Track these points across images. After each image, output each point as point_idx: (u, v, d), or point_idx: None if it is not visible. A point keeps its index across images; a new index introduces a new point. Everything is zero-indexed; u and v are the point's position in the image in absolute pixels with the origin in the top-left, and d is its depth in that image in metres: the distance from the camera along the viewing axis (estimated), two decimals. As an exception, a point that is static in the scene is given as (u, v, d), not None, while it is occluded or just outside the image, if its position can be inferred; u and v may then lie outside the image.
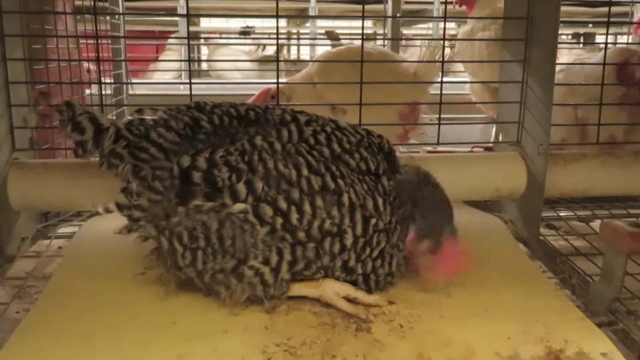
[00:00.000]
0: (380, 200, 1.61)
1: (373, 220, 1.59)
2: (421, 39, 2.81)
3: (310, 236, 1.54)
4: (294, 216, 1.51)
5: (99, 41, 2.26)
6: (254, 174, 1.52)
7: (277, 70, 2.26)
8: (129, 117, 1.71)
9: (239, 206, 1.50)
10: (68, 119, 1.66)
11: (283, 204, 1.51)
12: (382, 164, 1.69)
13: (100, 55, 2.23)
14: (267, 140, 1.59)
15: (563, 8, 2.19)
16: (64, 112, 1.67)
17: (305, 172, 1.55)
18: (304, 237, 1.53)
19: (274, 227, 1.51)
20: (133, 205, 1.58)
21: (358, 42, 2.95)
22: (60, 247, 2.21)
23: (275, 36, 2.32)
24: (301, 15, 6.80)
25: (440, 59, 2.63)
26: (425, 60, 2.68)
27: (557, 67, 2.24)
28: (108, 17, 3.38)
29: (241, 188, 1.50)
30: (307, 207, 1.52)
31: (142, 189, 1.56)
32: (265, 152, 1.55)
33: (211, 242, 1.52)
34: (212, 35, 7.43)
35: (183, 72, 5.23)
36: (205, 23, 8.43)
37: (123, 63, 3.64)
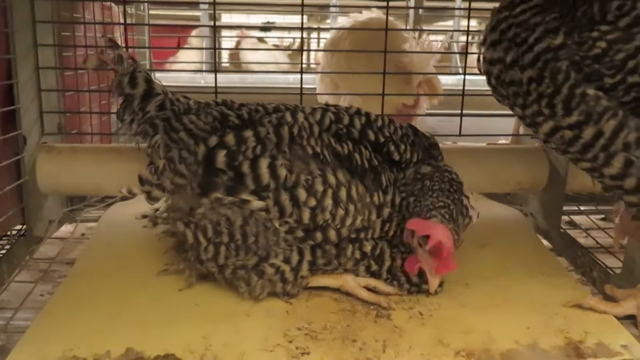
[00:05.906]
0: (397, 198, 1.61)
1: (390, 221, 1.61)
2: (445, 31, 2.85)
3: (340, 236, 1.55)
4: (328, 203, 1.51)
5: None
6: (282, 152, 1.52)
7: (302, 62, 2.28)
8: (177, 94, 1.74)
9: (259, 203, 1.50)
10: (127, 73, 1.68)
11: (320, 187, 1.51)
12: (416, 154, 1.67)
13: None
14: (308, 120, 1.61)
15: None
16: (127, 64, 1.69)
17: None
18: (334, 236, 1.55)
19: (294, 226, 1.52)
20: (155, 183, 1.61)
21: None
22: (83, 234, 2.25)
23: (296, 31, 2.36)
24: (324, 12, 6.77)
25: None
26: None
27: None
28: (133, 10, 3.43)
29: (264, 173, 1.50)
30: (343, 194, 1.52)
31: (168, 169, 1.58)
32: (304, 131, 1.57)
33: (235, 238, 1.53)
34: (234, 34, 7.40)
35: (204, 67, 5.25)
36: (226, 18, 8.42)
37: (147, 55, 3.69)
